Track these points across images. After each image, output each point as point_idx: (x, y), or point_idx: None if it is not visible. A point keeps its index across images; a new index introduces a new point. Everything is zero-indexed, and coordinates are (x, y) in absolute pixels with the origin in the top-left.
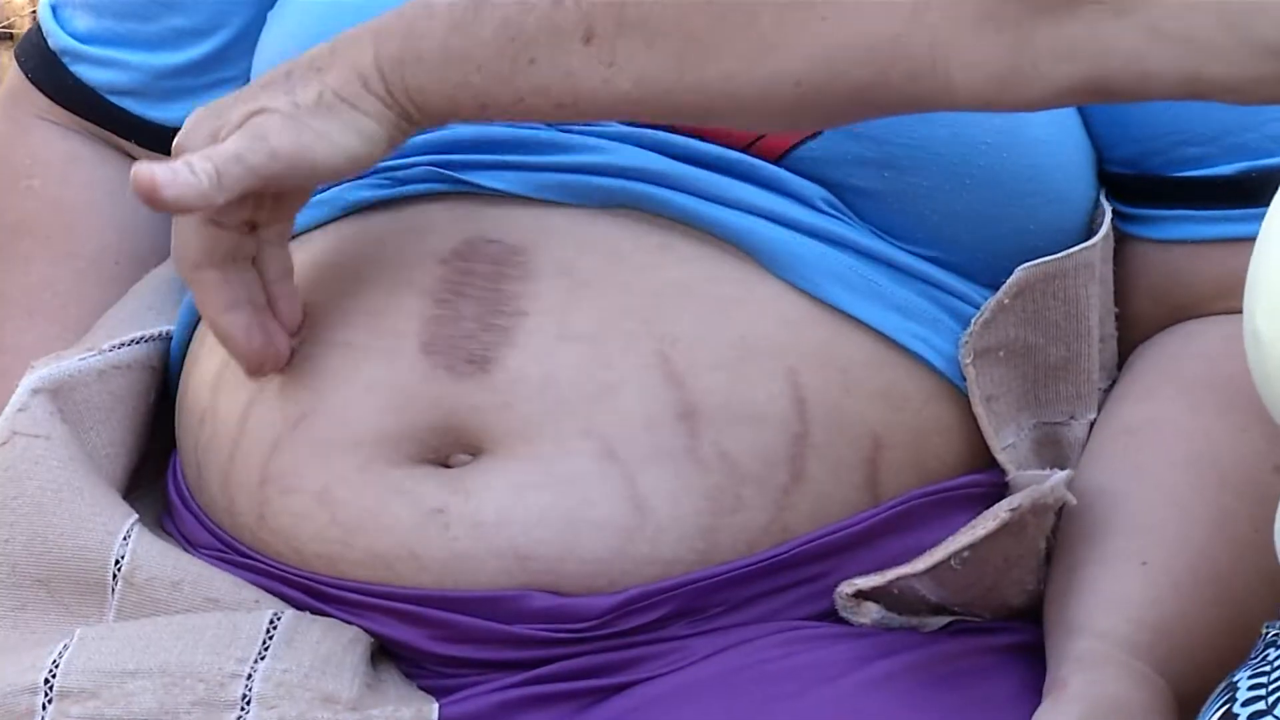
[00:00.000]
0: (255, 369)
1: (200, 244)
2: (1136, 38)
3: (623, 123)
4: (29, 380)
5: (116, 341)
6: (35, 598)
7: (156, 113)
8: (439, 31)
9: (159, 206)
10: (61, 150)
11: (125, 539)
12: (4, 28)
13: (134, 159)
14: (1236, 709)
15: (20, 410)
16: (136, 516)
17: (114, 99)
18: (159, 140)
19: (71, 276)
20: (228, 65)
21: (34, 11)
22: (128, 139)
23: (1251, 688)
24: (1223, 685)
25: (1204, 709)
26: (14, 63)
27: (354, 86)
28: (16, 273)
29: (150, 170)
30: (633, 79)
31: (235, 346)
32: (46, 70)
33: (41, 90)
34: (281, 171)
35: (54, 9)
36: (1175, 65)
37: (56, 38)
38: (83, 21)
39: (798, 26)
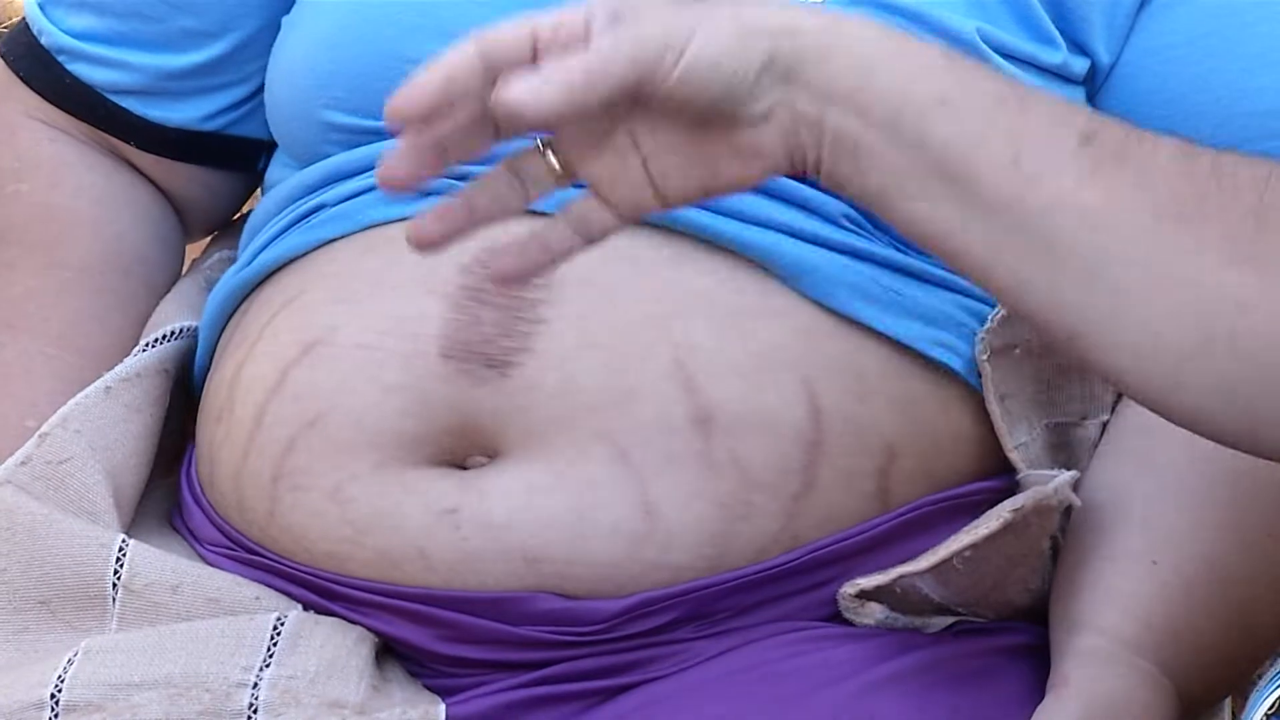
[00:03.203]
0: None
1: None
2: None
3: None
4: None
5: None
6: (37, 619)
7: (159, 112)
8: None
9: None
10: (50, 154)
11: (121, 549)
12: (4, 28)
13: (129, 163)
14: None
15: (22, 464)
16: (124, 535)
17: (115, 98)
18: (159, 141)
19: (56, 288)
20: (235, 68)
21: None
22: (126, 140)
23: None
24: None
25: (1262, 685)
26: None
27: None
28: (0, 281)
29: None
30: (1103, 199)
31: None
32: (40, 69)
33: (34, 89)
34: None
35: (42, 7)
36: None
37: (51, 36)
38: (80, 20)
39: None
